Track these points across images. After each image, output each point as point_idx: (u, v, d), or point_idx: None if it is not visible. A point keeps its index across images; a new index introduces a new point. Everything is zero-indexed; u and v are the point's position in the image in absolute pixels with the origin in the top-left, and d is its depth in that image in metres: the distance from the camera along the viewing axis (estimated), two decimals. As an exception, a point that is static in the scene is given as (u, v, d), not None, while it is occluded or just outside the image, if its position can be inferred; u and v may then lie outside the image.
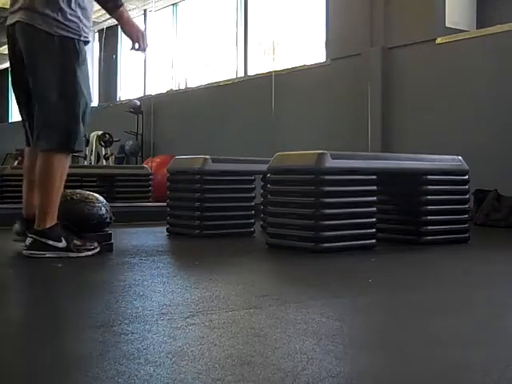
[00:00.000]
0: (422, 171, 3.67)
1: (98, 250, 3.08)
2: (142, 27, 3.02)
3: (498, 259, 3.26)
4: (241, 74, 9.52)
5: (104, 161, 9.70)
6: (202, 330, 1.62)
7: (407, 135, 6.62)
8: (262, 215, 4.35)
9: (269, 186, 3.54)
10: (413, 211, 3.68)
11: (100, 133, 9.69)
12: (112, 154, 9.94)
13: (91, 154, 9.91)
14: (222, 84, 9.29)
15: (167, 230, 4.24)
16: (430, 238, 3.67)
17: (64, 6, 2.93)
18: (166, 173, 4.39)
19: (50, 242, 2.95)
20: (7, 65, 17.06)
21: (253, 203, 4.23)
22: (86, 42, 3.06)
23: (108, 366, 1.30)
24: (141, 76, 11.36)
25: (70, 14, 2.95)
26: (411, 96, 6.63)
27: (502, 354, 1.47)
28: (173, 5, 10.98)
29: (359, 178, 3.37)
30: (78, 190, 3.32)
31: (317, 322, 1.72)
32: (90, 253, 3.04)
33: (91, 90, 3.13)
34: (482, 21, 6.56)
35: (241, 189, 4.18)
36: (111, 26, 11.71)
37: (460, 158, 3.90)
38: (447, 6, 6.42)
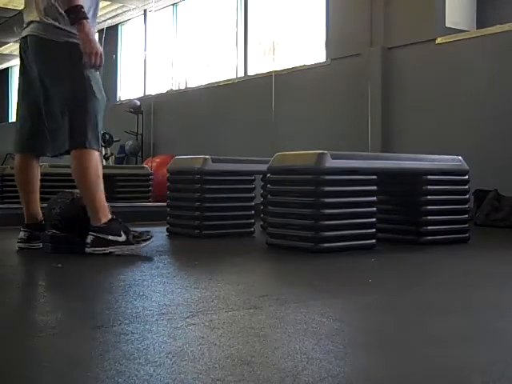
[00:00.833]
0: (422, 171, 3.67)
1: (153, 238, 3.17)
2: (99, 48, 3.04)
3: (498, 259, 3.26)
4: (241, 73, 9.52)
5: (104, 161, 9.70)
6: (202, 330, 1.62)
7: (407, 135, 6.62)
8: (261, 215, 4.35)
9: (269, 186, 3.54)
10: (413, 211, 3.68)
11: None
12: (112, 154, 9.95)
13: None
14: (221, 84, 9.29)
15: (167, 229, 4.24)
16: (429, 238, 3.67)
17: (65, 16, 3.03)
18: (166, 173, 4.39)
19: (110, 237, 3.03)
20: (7, 65, 17.08)
21: (253, 203, 4.23)
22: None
23: (108, 366, 1.30)
24: (141, 76, 11.36)
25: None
26: (411, 96, 6.63)
27: (502, 354, 1.47)
28: (173, 5, 10.98)
29: (359, 178, 3.37)
30: (78, 190, 3.32)
31: (317, 322, 1.72)
32: (148, 242, 3.14)
33: (103, 91, 3.22)
34: (482, 21, 6.56)
35: (241, 189, 4.18)
36: (111, 26, 11.72)
37: (460, 158, 3.90)
38: (447, 6, 6.42)
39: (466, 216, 3.85)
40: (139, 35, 11.43)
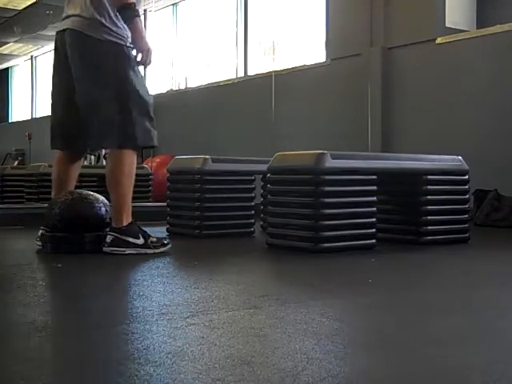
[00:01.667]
0: (422, 171, 3.67)
1: (170, 245, 3.21)
2: (150, 45, 3.08)
3: (498, 259, 3.26)
4: (241, 73, 9.52)
5: (104, 161, 9.69)
6: (202, 330, 1.62)
7: (407, 135, 6.62)
8: (261, 215, 4.35)
9: (269, 185, 3.54)
10: (413, 211, 3.68)
11: (100, 133, 9.68)
12: (112, 154, 9.93)
13: (91, 154, 9.90)
14: (222, 84, 9.29)
15: (167, 230, 4.24)
16: (429, 238, 3.67)
17: (111, 13, 3.03)
18: (166, 173, 4.39)
19: (130, 240, 3.07)
20: (7, 65, 17.08)
21: (253, 203, 4.23)
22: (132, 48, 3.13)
23: (108, 366, 1.30)
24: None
25: (117, 22, 3.05)
26: (411, 96, 6.63)
27: (502, 354, 1.47)
28: (173, 5, 10.98)
29: (359, 178, 3.37)
30: (78, 190, 3.32)
31: (317, 322, 1.72)
32: (165, 248, 3.18)
33: (148, 91, 3.22)
34: (482, 21, 6.56)
35: (241, 189, 4.18)
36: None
37: (460, 158, 3.90)
38: (447, 6, 6.42)
39: (466, 216, 3.85)
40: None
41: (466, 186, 3.87)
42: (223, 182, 4.09)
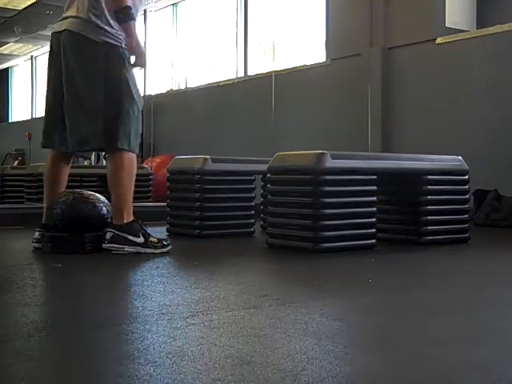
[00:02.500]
0: (422, 171, 3.67)
1: (170, 247, 3.20)
2: (143, 48, 3.18)
3: (498, 259, 3.26)
4: (241, 73, 9.52)
5: (104, 161, 9.68)
6: (202, 330, 1.62)
7: (407, 135, 6.62)
8: (261, 215, 4.35)
9: (269, 185, 3.54)
10: (413, 211, 3.68)
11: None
12: (112, 154, 9.92)
13: (91, 154, 9.90)
14: (222, 84, 9.28)
15: (167, 230, 4.24)
16: (430, 238, 3.66)
17: (108, 15, 3.08)
18: (166, 173, 4.39)
19: (130, 237, 3.08)
20: (7, 65, 17.08)
21: (253, 203, 4.23)
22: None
23: (108, 366, 1.30)
24: (141, 76, 11.35)
25: (113, 24, 3.09)
26: (411, 96, 6.63)
27: (502, 354, 1.47)
28: (173, 5, 10.98)
29: (359, 178, 3.37)
30: (79, 190, 3.32)
31: (317, 322, 1.72)
32: (164, 249, 3.17)
33: (140, 93, 3.27)
34: (482, 21, 6.56)
35: (241, 189, 4.18)
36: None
37: (460, 158, 3.90)
38: (447, 5, 6.42)
39: (466, 216, 3.85)
40: (139, 35, 11.42)
41: (466, 186, 3.87)
42: (223, 182, 4.09)
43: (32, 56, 15.88)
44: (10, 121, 17.63)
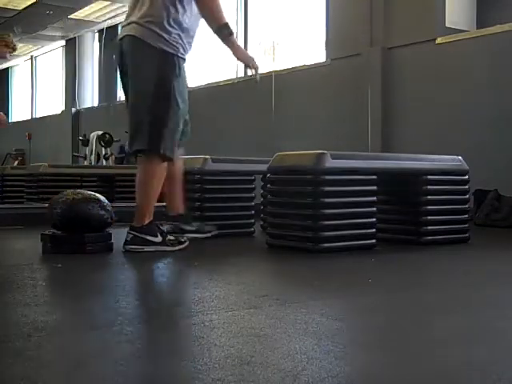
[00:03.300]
0: (422, 171, 3.67)
1: (187, 243, 3.31)
2: (249, 54, 3.49)
3: (498, 259, 3.26)
4: (241, 73, 9.52)
5: (104, 161, 9.69)
6: (202, 330, 1.62)
7: (407, 135, 6.62)
8: (261, 215, 4.35)
9: (269, 185, 3.54)
10: (413, 211, 3.68)
11: (100, 133, 9.68)
12: (112, 154, 9.94)
13: (91, 154, 9.91)
14: (221, 84, 9.28)
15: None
16: (430, 238, 3.66)
17: (166, 24, 3.19)
18: (166, 173, 4.38)
19: (149, 238, 3.21)
20: (7, 65, 17.07)
21: (253, 203, 4.23)
22: (184, 60, 3.31)
23: (108, 366, 1.30)
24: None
25: (172, 32, 3.21)
26: (411, 96, 6.63)
27: (502, 354, 1.47)
28: (173, 5, 10.97)
29: (359, 178, 3.37)
30: (79, 190, 3.32)
31: (317, 322, 1.72)
32: (182, 246, 3.30)
33: (187, 102, 3.39)
34: (482, 21, 6.56)
35: (241, 189, 4.18)
36: (111, 26, 11.71)
37: (460, 158, 3.90)
38: (447, 5, 6.42)
39: (466, 216, 3.85)
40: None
41: (466, 186, 3.87)
42: (223, 182, 4.09)
43: (32, 56, 15.87)
44: (9, 121, 17.63)
